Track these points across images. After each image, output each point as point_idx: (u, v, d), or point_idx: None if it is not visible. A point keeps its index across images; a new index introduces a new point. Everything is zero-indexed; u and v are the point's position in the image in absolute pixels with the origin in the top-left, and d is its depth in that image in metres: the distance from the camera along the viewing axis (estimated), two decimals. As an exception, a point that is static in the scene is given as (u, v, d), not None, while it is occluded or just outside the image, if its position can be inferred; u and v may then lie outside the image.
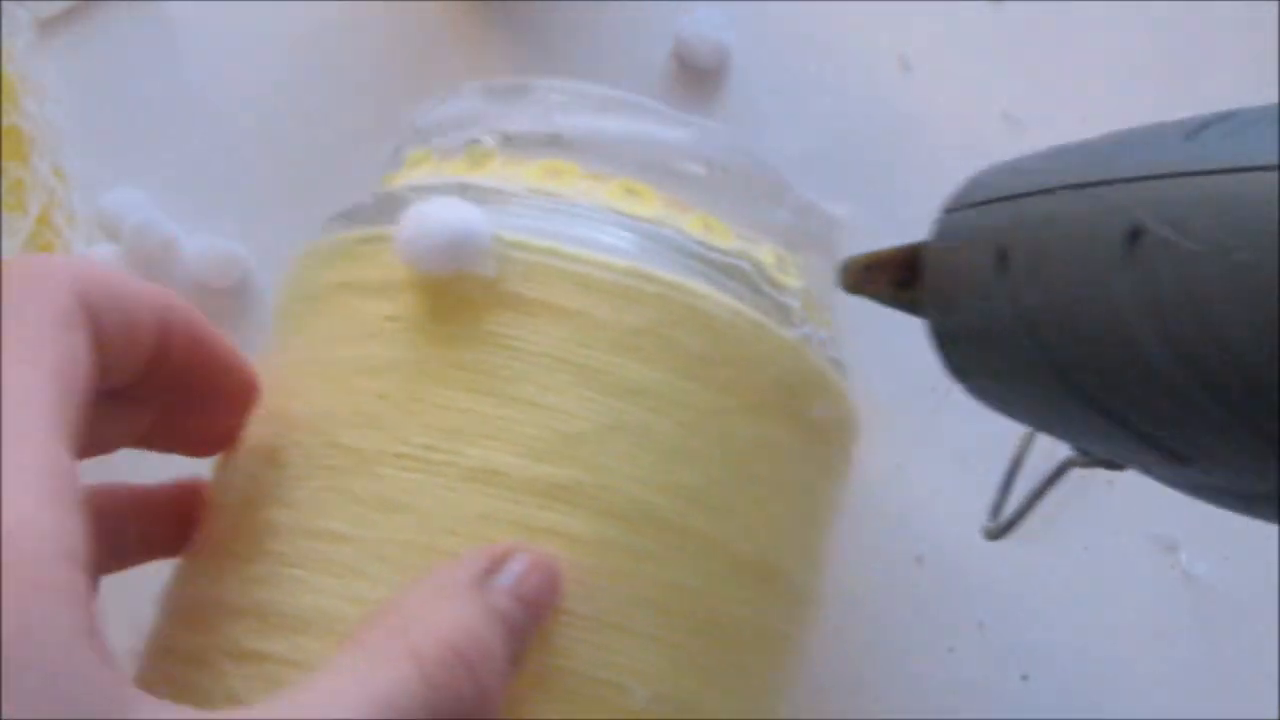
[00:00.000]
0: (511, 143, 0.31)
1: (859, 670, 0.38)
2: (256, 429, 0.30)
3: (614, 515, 0.27)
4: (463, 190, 0.30)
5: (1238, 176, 0.18)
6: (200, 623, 0.28)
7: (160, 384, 0.28)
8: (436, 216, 0.28)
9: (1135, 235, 0.19)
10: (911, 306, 0.25)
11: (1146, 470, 0.22)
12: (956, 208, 0.24)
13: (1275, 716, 0.38)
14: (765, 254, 0.31)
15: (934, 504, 0.39)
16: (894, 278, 0.25)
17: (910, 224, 0.43)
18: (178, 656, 0.28)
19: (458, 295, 0.28)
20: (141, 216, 0.42)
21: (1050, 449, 0.24)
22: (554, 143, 0.31)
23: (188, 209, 0.43)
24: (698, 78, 0.43)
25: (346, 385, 0.28)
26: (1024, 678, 0.39)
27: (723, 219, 0.31)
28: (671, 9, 0.44)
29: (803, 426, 0.30)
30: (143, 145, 0.44)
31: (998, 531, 0.26)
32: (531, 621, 0.26)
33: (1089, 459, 0.24)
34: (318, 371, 0.29)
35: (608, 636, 0.27)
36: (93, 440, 0.26)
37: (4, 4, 0.43)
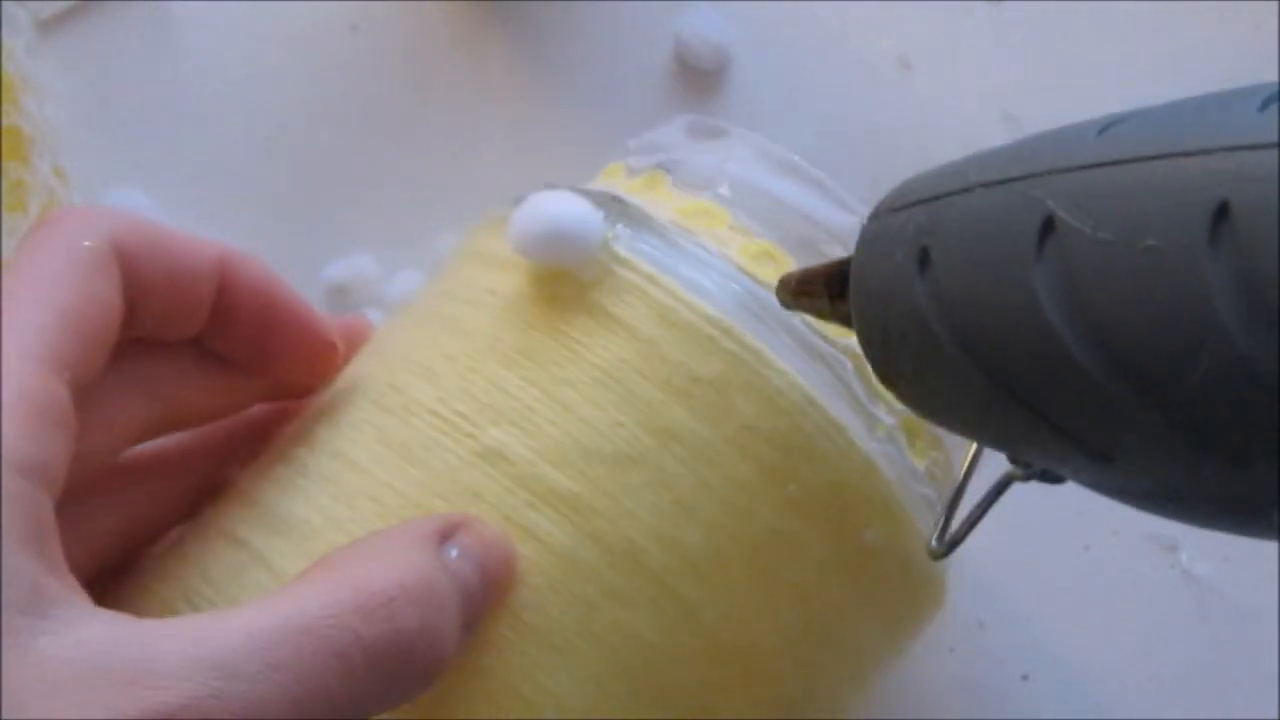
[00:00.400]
0: (684, 177, 0.32)
1: (859, 670, 0.38)
2: (361, 355, 0.32)
3: (598, 543, 0.27)
4: (612, 202, 0.31)
5: (1144, 165, 0.19)
6: (223, 500, 0.30)
7: (233, 337, 0.30)
8: (546, 207, 0.29)
9: (1048, 227, 0.19)
10: (847, 319, 0.25)
11: (1077, 475, 0.22)
12: (880, 214, 0.24)
13: (1275, 717, 0.38)
14: None
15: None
16: (829, 291, 0.25)
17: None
18: (195, 524, 0.30)
19: (551, 288, 0.29)
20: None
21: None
22: (719, 187, 0.31)
23: (188, 210, 0.43)
24: (698, 78, 0.43)
25: (429, 338, 0.30)
26: (1024, 678, 0.39)
27: None
28: (671, 9, 0.44)
29: (847, 545, 0.29)
30: (143, 145, 0.44)
31: (942, 552, 0.26)
32: (485, 591, 0.26)
33: (1028, 472, 0.24)
34: (417, 318, 0.31)
35: (543, 655, 0.26)
36: (177, 401, 0.29)
37: (4, 4, 0.43)
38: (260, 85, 0.44)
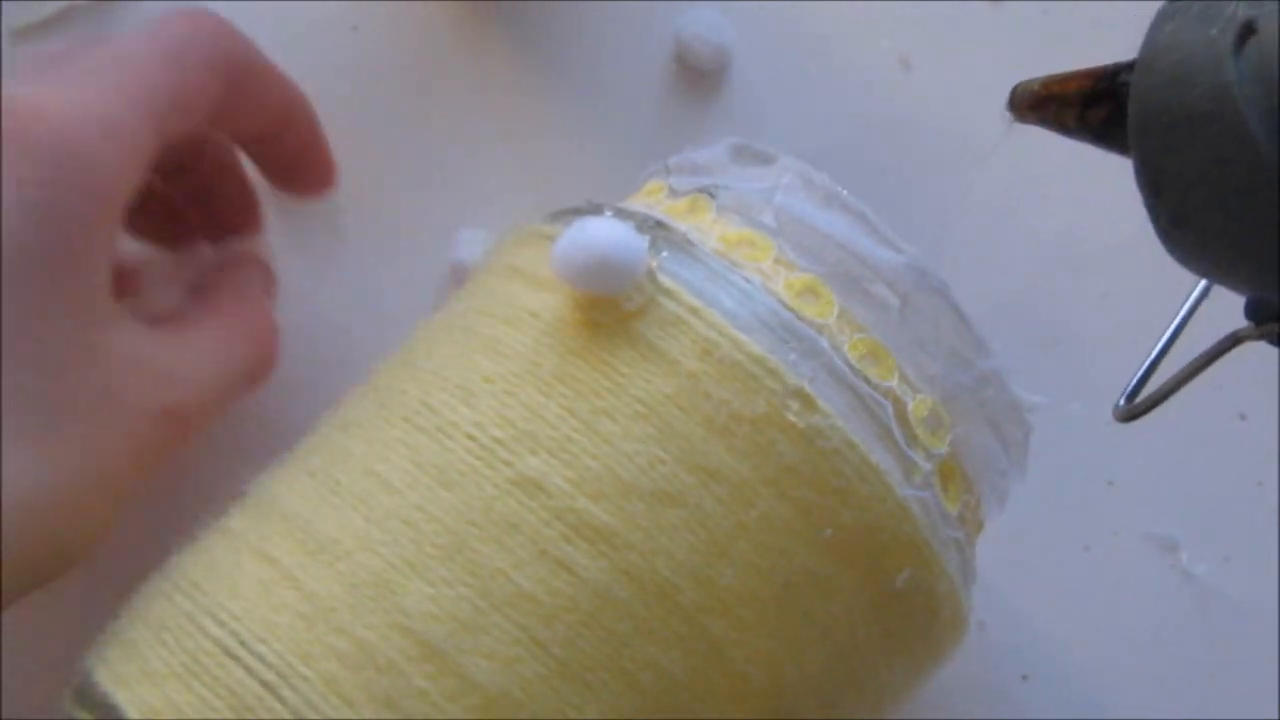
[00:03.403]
0: (728, 204, 0.31)
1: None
2: (385, 364, 0.32)
3: (632, 579, 0.27)
4: (656, 227, 0.30)
5: None
6: (251, 509, 0.30)
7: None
8: (592, 236, 0.29)
9: None
10: (1098, 129, 0.23)
11: None
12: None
13: (1275, 717, 0.38)
14: (919, 405, 0.30)
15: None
16: (1082, 94, 0.23)
17: (911, 224, 0.43)
18: (223, 533, 0.30)
19: (594, 315, 0.29)
20: None
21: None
22: (764, 218, 0.31)
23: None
24: (698, 78, 0.43)
25: (466, 357, 0.29)
26: (1024, 678, 0.39)
27: (896, 355, 0.30)
28: (671, 9, 0.44)
29: (879, 588, 0.29)
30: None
31: (1132, 414, 0.24)
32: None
33: (1266, 327, 0.22)
34: (452, 334, 0.30)
35: (572, 691, 0.26)
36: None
37: None
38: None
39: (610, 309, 0.29)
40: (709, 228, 0.31)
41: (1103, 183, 0.43)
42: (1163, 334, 0.24)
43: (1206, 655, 0.39)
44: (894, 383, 0.29)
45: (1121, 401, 0.24)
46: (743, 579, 0.27)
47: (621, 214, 0.31)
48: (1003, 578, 0.39)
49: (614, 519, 0.27)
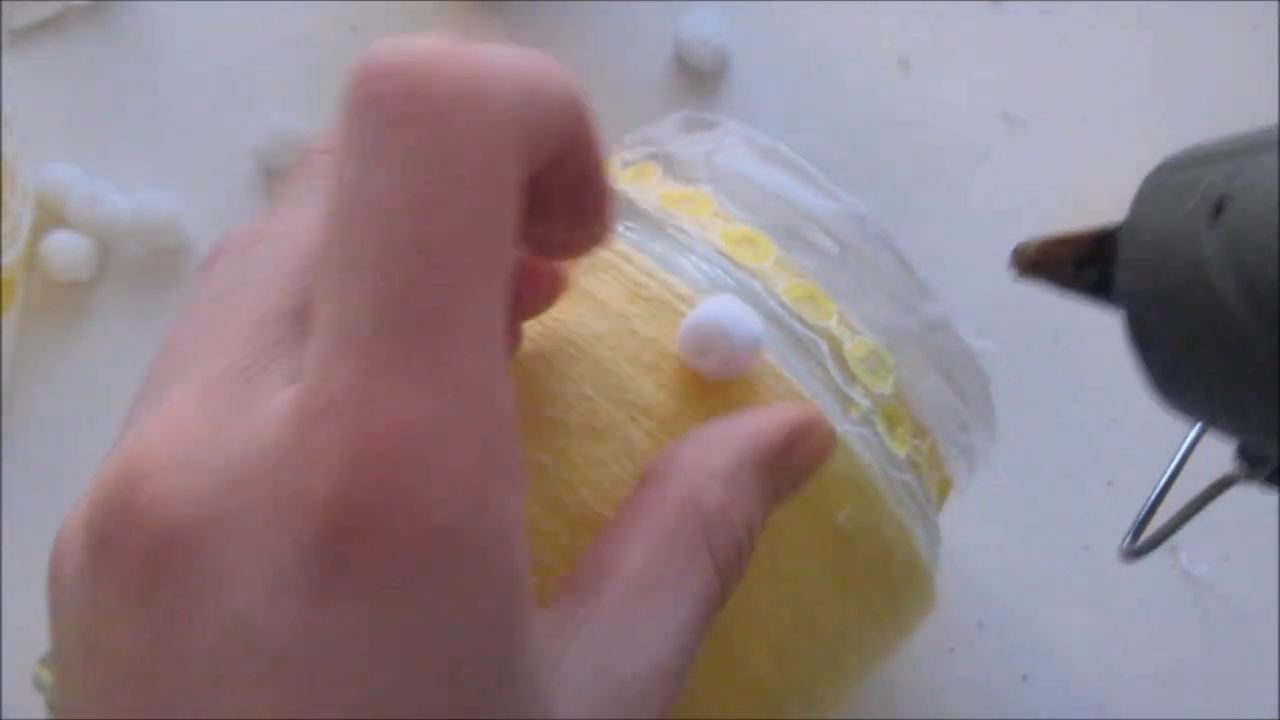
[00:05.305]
0: (673, 167, 0.32)
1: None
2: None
3: (560, 510, 0.27)
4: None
5: None
6: None
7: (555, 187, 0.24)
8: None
9: None
10: (1092, 288, 0.24)
11: None
12: (1164, 169, 0.23)
13: (1275, 717, 0.38)
14: (858, 346, 0.30)
15: (934, 504, 0.39)
16: (1075, 256, 0.24)
17: (912, 224, 0.43)
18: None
19: None
20: (84, 189, 0.42)
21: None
22: (705, 177, 0.31)
23: (187, 211, 0.43)
24: (698, 78, 0.43)
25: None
26: (1024, 678, 0.39)
27: (837, 301, 0.30)
28: (671, 9, 0.44)
29: (822, 526, 0.29)
30: (141, 149, 0.44)
31: (1136, 554, 0.25)
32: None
33: (1256, 471, 0.22)
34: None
35: None
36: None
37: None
38: (260, 86, 0.44)
39: None
40: (652, 189, 0.31)
41: (1103, 183, 0.43)
42: (1163, 473, 0.25)
43: (1206, 655, 0.39)
44: (832, 323, 0.30)
45: (1127, 540, 0.25)
46: None
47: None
48: (1003, 578, 0.39)
49: (541, 453, 0.27)
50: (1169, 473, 0.25)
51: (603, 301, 0.29)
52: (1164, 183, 0.22)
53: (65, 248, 0.42)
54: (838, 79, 0.44)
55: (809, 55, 0.44)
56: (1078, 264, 0.24)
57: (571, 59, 0.44)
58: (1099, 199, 0.43)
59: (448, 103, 0.20)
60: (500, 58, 0.20)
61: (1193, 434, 0.25)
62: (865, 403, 0.30)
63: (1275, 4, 0.43)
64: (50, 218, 0.43)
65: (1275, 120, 0.21)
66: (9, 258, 0.41)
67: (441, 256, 0.19)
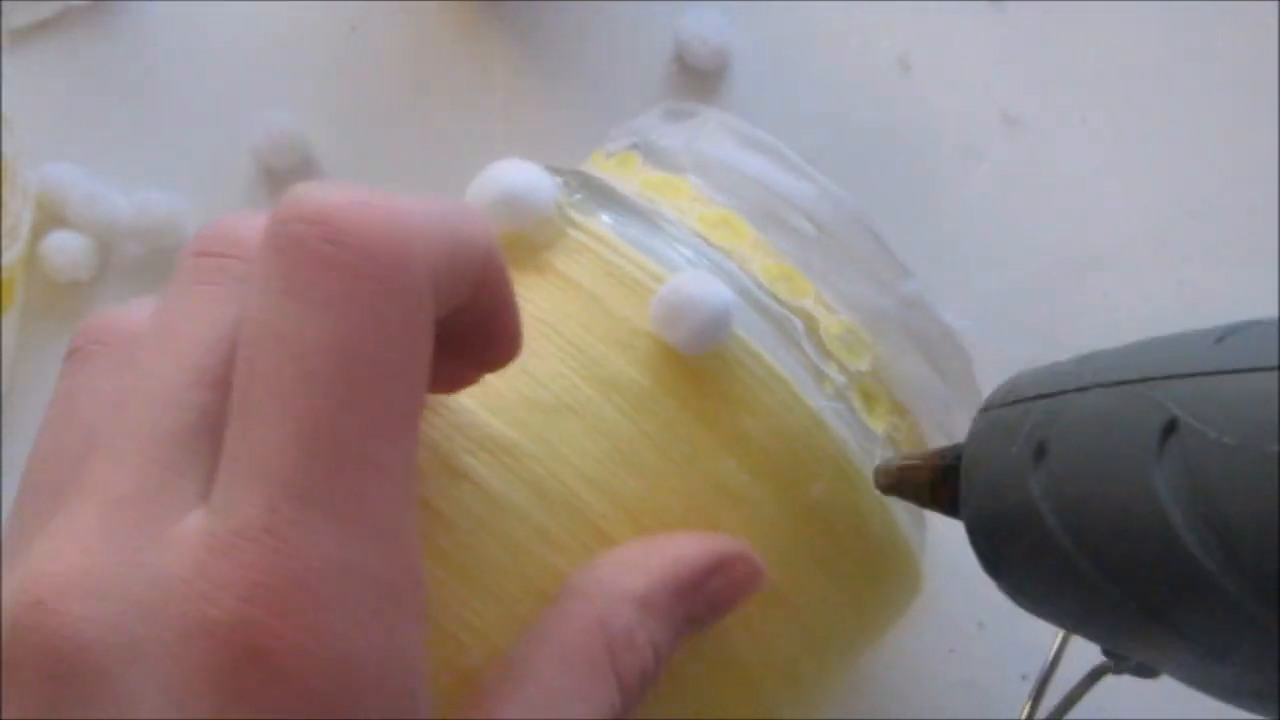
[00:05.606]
0: (653, 155, 0.32)
1: (859, 670, 0.38)
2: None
3: (532, 487, 0.27)
4: (574, 175, 0.32)
5: (1266, 375, 0.19)
6: None
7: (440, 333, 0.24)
8: (498, 173, 0.30)
9: (1170, 428, 0.20)
10: (947, 507, 0.26)
11: (1181, 671, 0.22)
12: (994, 406, 0.24)
13: (1275, 717, 0.38)
14: (834, 324, 0.30)
15: (934, 504, 0.39)
16: (930, 479, 0.26)
17: (912, 224, 0.43)
18: None
19: (509, 252, 0.28)
20: (84, 189, 0.42)
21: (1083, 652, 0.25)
22: (685, 164, 0.32)
23: (186, 211, 0.43)
24: (698, 79, 0.43)
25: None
26: (1024, 678, 0.39)
27: (815, 281, 0.31)
28: (671, 9, 0.44)
29: (794, 499, 0.29)
30: (140, 150, 0.44)
31: None
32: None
33: (1122, 665, 0.24)
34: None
35: (472, 596, 0.26)
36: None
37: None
38: (260, 86, 0.44)
39: (524, 246, 0.30)
40: (632, 176, 0.32)
41: (1103, 183, 0.43)
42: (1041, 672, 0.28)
43: (1206, 655, 0.39)
44: (808, 302, 0.30)
45: None
46: (648, 488, 0.28)
47: (538, 164, 0.32)
48: (1003, 578, 0.39)
49: (515, 431, 0.27)
50: (1044, 670, 0.27)
51: (577, 283, 0.29)
52: (994, 421, 0.24)
53: (65, 248, 0.42)
54: (838, 79, 0.44)
55: (809, 55, 0.44)
56: (932, 484, 0.26)
57: (571, 59, 0.44)
58: (1099, 199, 0.43)
59: (367, 250, 0.21)
60: (418, 208, 0.22)
61: (1060, 636, 0.27)
62: (840, 378, 0.30)
63: (1275, 4, 0.43)
64: (50, 218, 0.43)
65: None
66: (9, 258, 0.41)
67: (356, 396, 0.20)
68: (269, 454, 0.20)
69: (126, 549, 0.20)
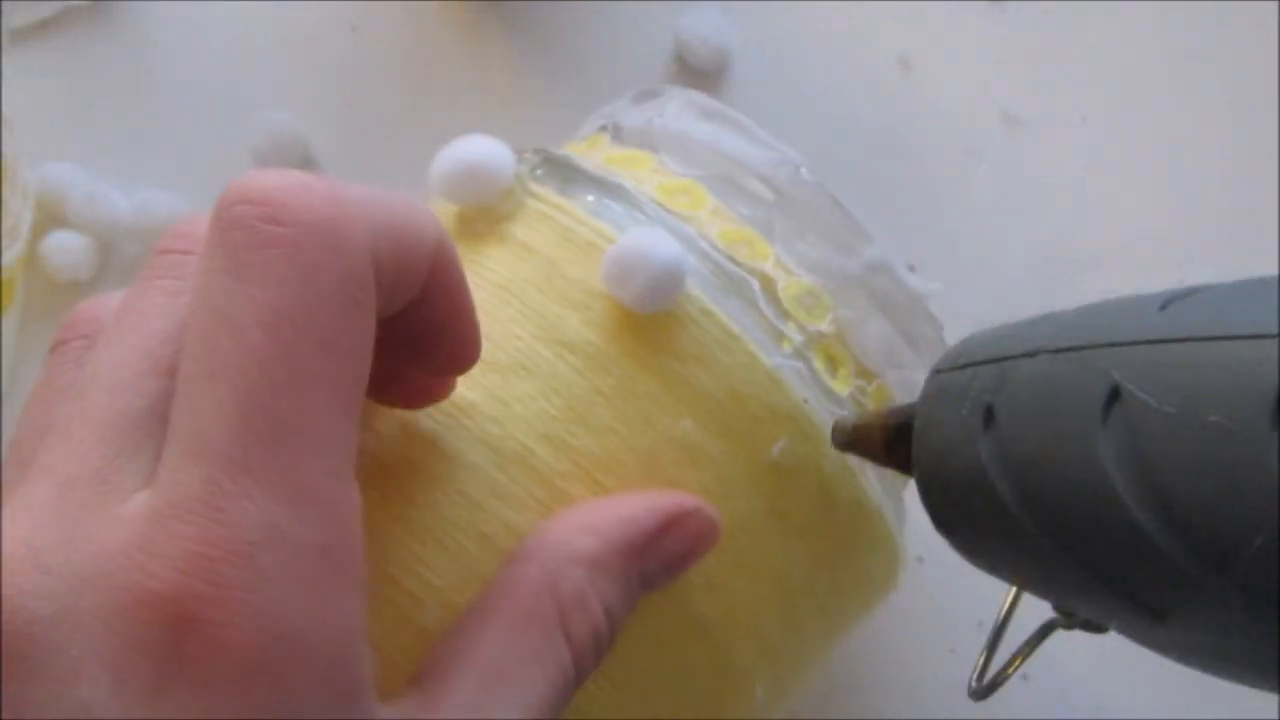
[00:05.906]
0: (620, 134, 0.33)
1: (859, 671, 0.38)
2: None
3: (488, 445, 0.27)
4: (537, 151, 0.32)
5: (1207, 345, 0.20)
6: None
7: (398, 333, 0.25)
8: (458, 147, 0.31)
9: (1114, 396, 0.20)
10: (901, 465, 0.26)
11: (1125, 628, 0.23)
12: (945, 369, 0.25)
13: (1275, 717, 0.38)
14: (792, 285, 0.30)
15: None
16: (884, 439, 0.26)
17: (911, 224, 0.43)
18: None
19: (472, 225, 0.30)
20: (84, 189, 0.42)
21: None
22: (649, 138, 0.33)
23: (185, 211, 0.43)
24: (698, 79, 0.43)
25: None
26: (1024, 677, 0.39)
27: (775, 245, 0.31)
28: (671, 9, 0.44)
29: (754, 458, 0.29)
30: (140, 150, 0.44)
31: (982, 693, 0.27)
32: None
33: (1071, 620, 0.24)
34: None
35: (429, 552, 0.26)
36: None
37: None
38: (260, 86, 0.44)
39: (486, 219, 0.30)
40: (598, 154, 0.33)
41: (1103, 183, 0.43)
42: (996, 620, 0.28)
43: (1206, 655, 0.39)
44: (767, 265, 0.30)
45: (972, 683, 0.27)
46: (604, 446, 0.28)
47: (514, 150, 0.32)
48: (1003, 578, 0.39)
49: (471, 392, 0.28)
50: (996, 624, 0.27)
51: (534, 249, 0.30)
52: (944, 384, 0.25)
53: (65, 248, 0.42)
54: (838, 79, 0.44)
55: (809, 55, 0.44)
56: (886, 444, 0.26)
57: (571, 59, 0.44)
58: (1099, 199, 0.43)
59: (307, 227, 0.21)
60: (359, 194, 0.22)
61: (1012, 592, 0.27)
62: (798, 337, 0.30)
63: (1275, 4, 0.43)
64: (50, 218, 0.43)
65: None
66: (9, 258, 0.41)
67: (293, 369, 0.21)
68: (207, 428, 0.20)
69: (74, 524, 0.21)
